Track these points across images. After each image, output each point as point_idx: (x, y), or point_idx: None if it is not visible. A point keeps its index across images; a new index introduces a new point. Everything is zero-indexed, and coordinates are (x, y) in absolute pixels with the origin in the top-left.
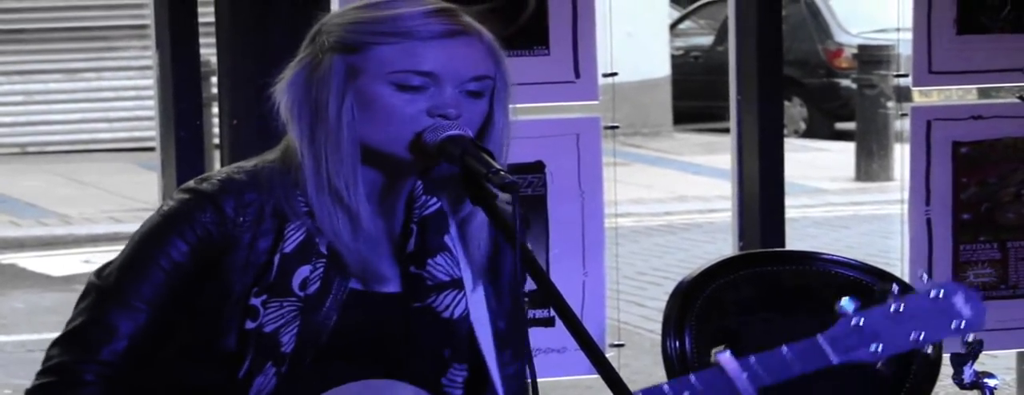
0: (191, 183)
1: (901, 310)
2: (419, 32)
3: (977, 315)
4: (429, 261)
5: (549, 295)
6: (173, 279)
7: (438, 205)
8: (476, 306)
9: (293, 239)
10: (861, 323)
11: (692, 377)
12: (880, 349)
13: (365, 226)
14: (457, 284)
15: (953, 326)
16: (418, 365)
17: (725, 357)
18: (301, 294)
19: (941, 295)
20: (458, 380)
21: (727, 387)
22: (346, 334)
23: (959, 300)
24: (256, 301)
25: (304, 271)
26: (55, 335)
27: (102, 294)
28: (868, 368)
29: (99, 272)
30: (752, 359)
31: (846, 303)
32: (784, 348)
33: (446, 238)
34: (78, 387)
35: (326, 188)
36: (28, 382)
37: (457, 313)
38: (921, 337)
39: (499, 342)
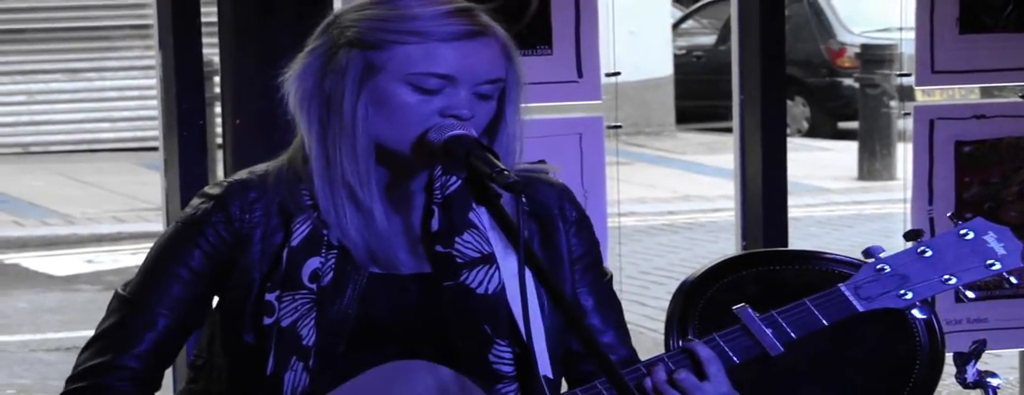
0: (205, 188)
1: (929, 253)
2: (438, 33)
3: (1012, 253)
4: (457, 239)
5: (554, 296)
6: (192, 285)
7: (459, 183)
8: (513, 282)
9: (299, 233)
10: (886, 269)
11: (716, 336)
12: (911, 295)
13: (379, 222)
14: (488, 259)
15: (988, 265)
16: (461, 344)
17: (747, 313)
18: (313, 286)
19: (970, 234)
20: (506, 357)
21: (753, 344)
22: (376, 320)
23: (991, 238)
24: (271, 297)
25: (313, 263)
26: (57, 335)
27: (126, 303)
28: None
29: (125, 285)
30: (775, 313)
31: (871, 249)
32: (806, 300)
33: (471, 215)
34: (109, 390)
35: (339, 185)
36: (31, 382)
37: (491, 288)
38: (954, 280)
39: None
